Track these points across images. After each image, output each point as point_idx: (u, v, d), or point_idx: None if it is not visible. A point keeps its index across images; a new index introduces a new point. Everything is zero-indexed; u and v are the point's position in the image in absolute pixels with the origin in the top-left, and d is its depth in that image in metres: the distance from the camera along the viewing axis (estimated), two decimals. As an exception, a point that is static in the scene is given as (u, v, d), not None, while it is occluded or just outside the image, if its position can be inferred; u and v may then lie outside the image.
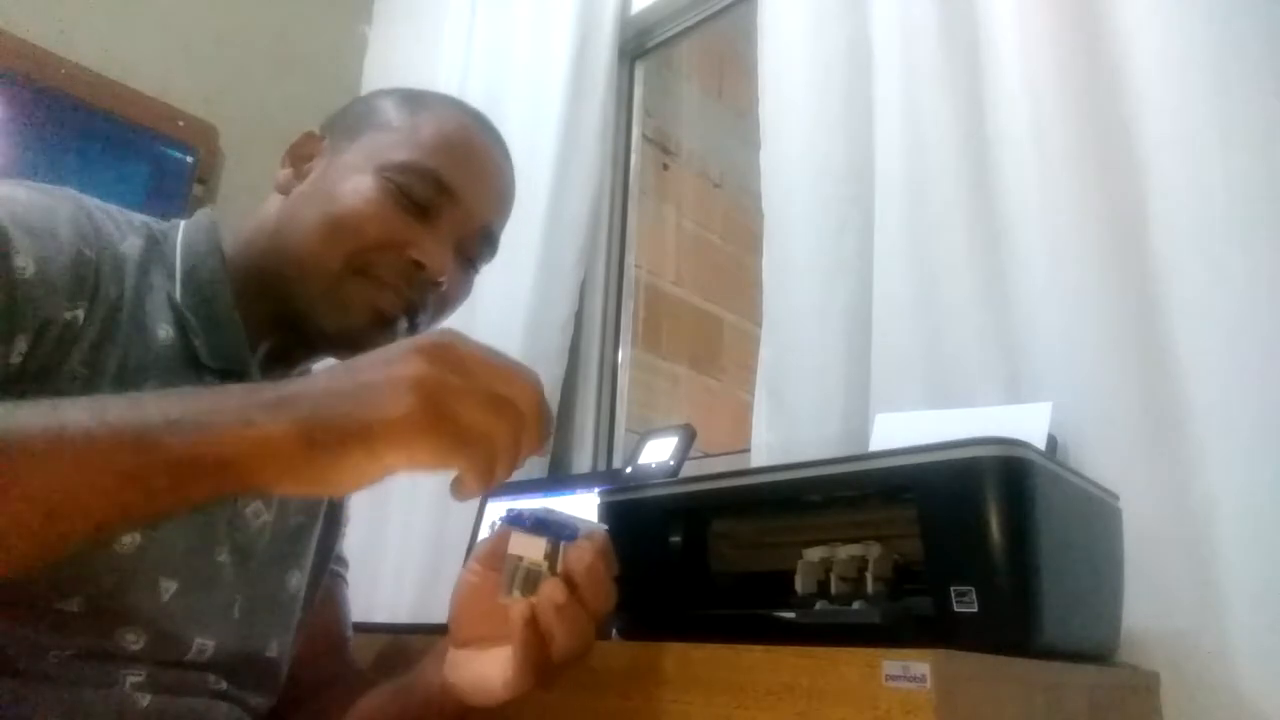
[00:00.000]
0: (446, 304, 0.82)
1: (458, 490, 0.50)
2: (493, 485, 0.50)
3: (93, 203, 0.71)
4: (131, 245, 0.71)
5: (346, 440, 0.46)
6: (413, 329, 0.79)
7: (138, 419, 0.46)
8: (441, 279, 0.78)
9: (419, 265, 0.76)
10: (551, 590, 0.56)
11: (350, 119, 0.83)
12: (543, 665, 0.58)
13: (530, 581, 0.56)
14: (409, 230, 0.76)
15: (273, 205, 0.81)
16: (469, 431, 0.47)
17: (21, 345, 0.60)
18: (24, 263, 0.60)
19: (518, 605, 0.57)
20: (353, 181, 0.76)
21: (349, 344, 0.76)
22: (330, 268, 0.75)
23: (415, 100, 0.83)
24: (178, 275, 0.74)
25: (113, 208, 0.73)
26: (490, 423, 0.48)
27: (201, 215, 0.81)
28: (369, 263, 0.75)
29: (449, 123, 0.81)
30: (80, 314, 0.63)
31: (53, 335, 0.61)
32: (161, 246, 0.75)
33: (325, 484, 0.48)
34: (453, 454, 0.47)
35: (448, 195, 0.78)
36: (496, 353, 0.50)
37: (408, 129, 0.79)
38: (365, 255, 0.75)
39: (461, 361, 0.48)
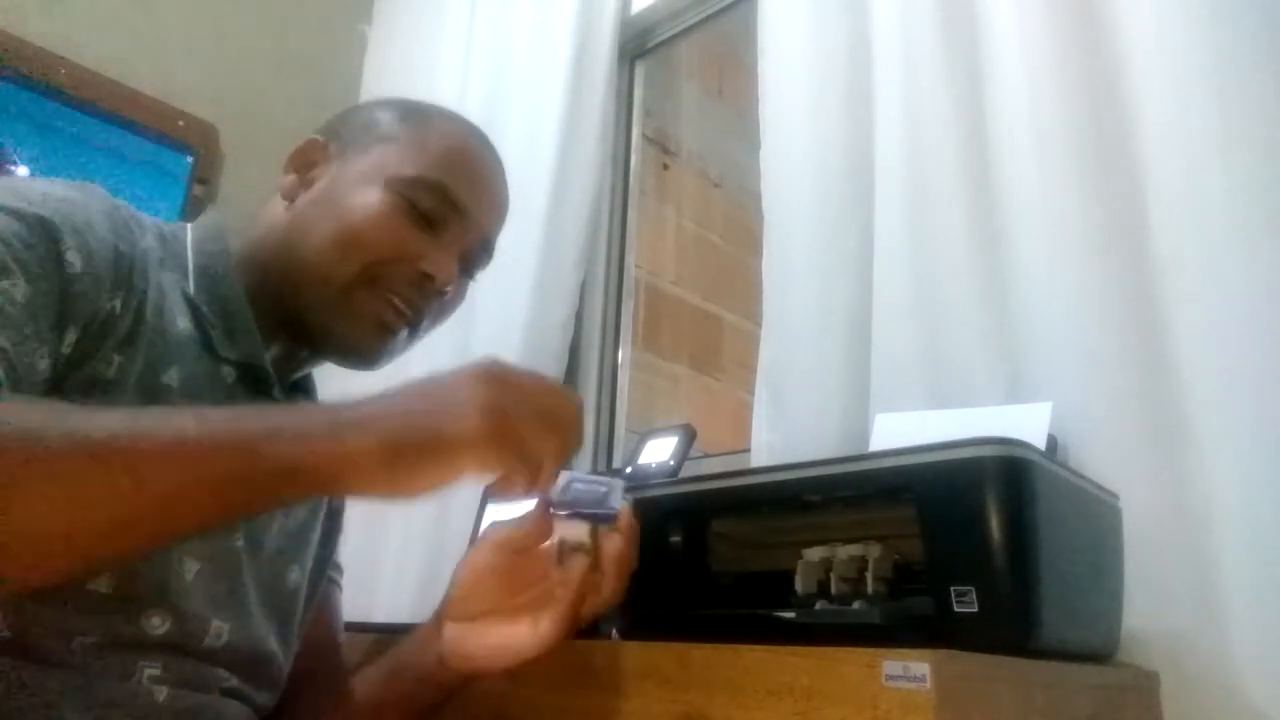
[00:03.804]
0: (445, 311, 0.86)
1: (501, 490, 0.60)
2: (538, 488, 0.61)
3: (115, 199, 0.73)
4: (150, 243, 0.74)
5: (427, 454, 0.55)
6: (412, 335, 0.84)
7: (240, 428, 0.53)
8: (448, 289, 0.82)
9: (428, 277, 0.80)
10: (598, 566, 0.67)
11: (353, 128, 0.85)
12: (574, 623, 0.67)
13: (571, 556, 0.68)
14: (418, 243, 0.79)
15: (277, 211, 0.82)
16: (529, 445, 0.57)
17: (71, 337, 0.63)
18: (73, 258, 0.63)
19: (573, 572, 0.67)
20: (363, 194, 0.79)
21: (353, 350, 0.81)
22: (343, 279, 0.78)
23: (418, 113, 0.86)
24: (190, 272, 0.77)
25: (129, 206, 0.76)
26: (544, 436, 0.58)
27: (207, 217, 0.84)
28: (380, 275, 0.79)
29: (453, 137, 0.85)
30: (118, 304, 0.66)
31: (95, 325, 0.65)
32: (172, 245, 0.77)
33: (402, 491, 0.56)
34: (515, 463, 0.58)
35: (454, 208, 0.81)
36: (541, 376, 0.62)
37: (414, 142, 0.82)
38: (377, 268, 0.78)
39: (517, 387, 0.58)
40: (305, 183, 0.83)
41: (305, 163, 0.84)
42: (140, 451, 0.50)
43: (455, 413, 0.55)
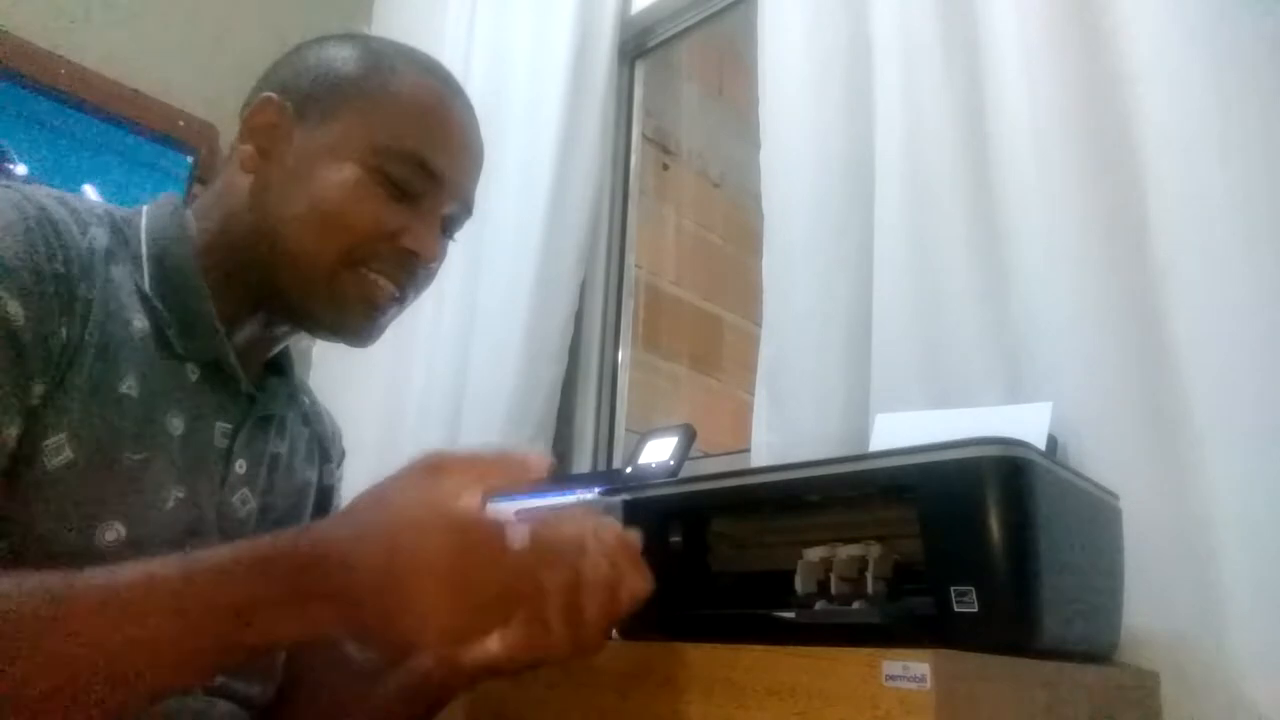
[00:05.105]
0: (430, 276, 0.83)
1: None
2: None
3: (46, 197, 0.68)
4: (94, 237, 0.69)
5: (395, 641, 0.56)
6: (400, 307, 0.81)
7: (214, 615, 0.54)
8: (434, 262, 0.79)
9: (412, 253, 0.77)
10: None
11: (310, 82, 0.78)
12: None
13: None
14: (397, 218, 0.76)
15: (239, 184, 0.77)
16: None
17: (39, 389, 0.62)
18: (15, 310, 0.60)
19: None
20: (334, 170, 0.74)
21: (343, 331, 0.78)
22: (326, 264, 0.74)
23: (379, 61, 0.79)
24: (144, 265, 0.72)
25: (70, 197, 0.71)
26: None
27: (166, 199, 0.79)
28: (364, 255, 0.75)
29: (420, 92, 0.79)
30: (64, 330, 0.64)
31: (54, 363, 0.63)
32: (125, 234, 0.73)
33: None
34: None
35: (431, 177, 0.77)
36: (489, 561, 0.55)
37: (382, 104, 0.77)
38: (358, 249, 0.75)
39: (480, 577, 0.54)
40: (266, 153, 0.76)
41: (262, 128, 0.77)
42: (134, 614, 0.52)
43: (424, 618, 0.53)
